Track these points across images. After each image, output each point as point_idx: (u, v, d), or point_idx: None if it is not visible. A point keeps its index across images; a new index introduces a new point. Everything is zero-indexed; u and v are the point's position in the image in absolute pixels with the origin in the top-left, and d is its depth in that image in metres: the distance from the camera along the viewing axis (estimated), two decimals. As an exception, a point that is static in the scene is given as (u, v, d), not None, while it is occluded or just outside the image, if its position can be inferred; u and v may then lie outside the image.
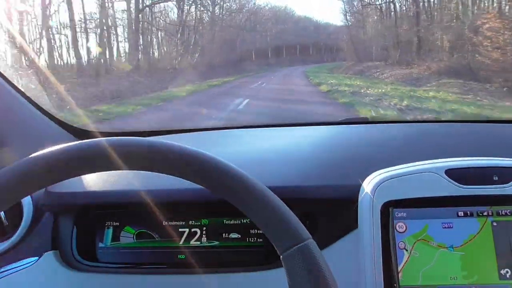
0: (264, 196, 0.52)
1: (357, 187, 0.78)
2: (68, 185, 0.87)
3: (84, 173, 0.53)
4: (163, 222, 0.89)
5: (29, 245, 0.88)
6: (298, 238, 0.50)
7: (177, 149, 0.53)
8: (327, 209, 0.83)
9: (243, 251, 0.87)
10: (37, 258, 0.86)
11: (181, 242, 0.88)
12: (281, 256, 0.51)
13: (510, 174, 0.73)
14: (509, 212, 0.72)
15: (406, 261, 0.71)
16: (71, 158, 0.51)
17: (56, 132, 1.17)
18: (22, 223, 0.87)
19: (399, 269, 0.70)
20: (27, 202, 0.89)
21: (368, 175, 0.79)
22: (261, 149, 1.10)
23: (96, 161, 0.51)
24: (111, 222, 0.90)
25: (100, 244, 0.89)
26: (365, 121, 1.46)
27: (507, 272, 0.70)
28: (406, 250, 0.71)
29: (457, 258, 0.71)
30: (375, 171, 0.79)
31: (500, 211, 0.73)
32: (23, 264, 0.85)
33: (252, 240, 0.87)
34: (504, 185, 0.72)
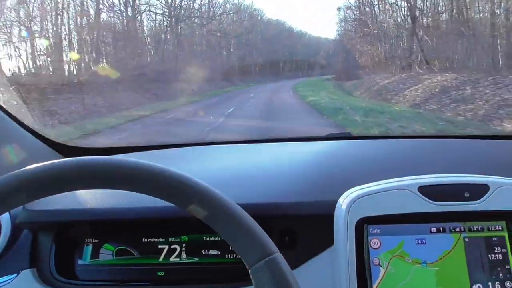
0: (231, 211, 0.53)
1: (335, 204, 0.79)
2: (46, 203, 0.87)
3: (50, 194, 0.53)
4: (143, 239, 0.89)
5: (6, 262, 0.87)
6: (265, 252, 0.51)
7: (143, 166, 0.53)
8: (306, 225, 0.84)
9: (223, 267, 0.87)
10: (14, 275, 0.85)
11: (160, 259, 0.88)
12: (249, 270, 0.51)
13: (481, 190, 0.75)
14: (480, 228, 0.74)
15: (382, 277, 0.72)
16: (40, 178, 0.51)
17: (37, 147, 1.17)
18: (0, 240, 0.87)
19: (375, 285, 0.71)
20: (5, 219, 0.88)
21: (345, 191, 0.80)
22: (241, 166, 1.11)
23: (56, 181, 0.51)
24: (90, 239, 0.90)
25: (79, 262, 0.89)
26: (348, 137, 1.48)
27: (479, 287, 0.72)
28: (381, 266, 0.72)
29: (432, 274, 0.72)
30: (353, 187, 0.80)
31: (472, 227, 0.75)
32: (0, 282, 0.84)
33: (232, 257, 0.87)
34: (475, 201, 0.74)
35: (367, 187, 0.78)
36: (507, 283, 0.72)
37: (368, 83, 18.13)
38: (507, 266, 0.73)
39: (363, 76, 20.46)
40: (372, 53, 20.84)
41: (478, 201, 0.74)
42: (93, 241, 0.90)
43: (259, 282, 0.50)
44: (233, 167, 1.09)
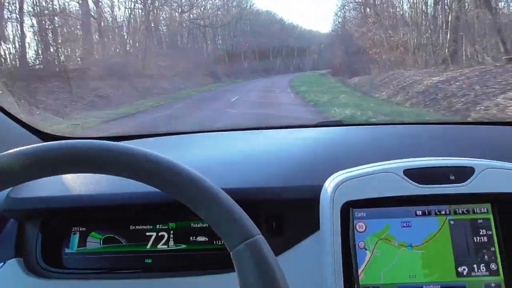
0: (213, 193, 0.53)
1: (321, 188, 0.79)
2: (31, 190, 0.86)
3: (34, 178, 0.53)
4: (130, 226, 0.89)
5: None
6: (246, 234, 0.51)
7: (124, 149, 0.53)
8: (292, 210, 0.84)
9: (211, 254, 0.87)
10: (0, 265, 0.85)
11: (148, 246, 0.88)
12: (231, 253, 0.51)
13: (466, 173, 0.75)
14: (465, 210, 0.75)
15: (368, 260, 0.72)
16: (28, 161, 0.51)
17: (24, 137, 1.16)
18: None
19: (361, 269, 0.72)
20: None
21: (331, 176, 0.80)
22: (230, 152, 1.10)
23: (40, 165, 0.51)
24: (77, 228, 0.89)
25: (66, 250, 0.88)
26: (338, 124, 1.48)
27: (464, 269, 0.72)
28: (366, 250, 0.72)
29: (418, 257, 0.73)
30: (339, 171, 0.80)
31: (457, 210, 0.75)
32: None
33: (220, 243, 0.87)
34: (461, 184, 0.74)
35: (352, 171, 0.78)
36: (492, 265, 0.72)
37: (397, 81, 12.87)
38: (492, 248, 0.73)
39: (376, 70, 16.83)
40: (392, 42, 16.63)
41: (464, 183, 0.74)
42: (80, 229, 0.89)
43: (240, 264, 0.50)
44: (221, 154, 1.09)
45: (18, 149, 0.51)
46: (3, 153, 0.50)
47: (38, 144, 0.52)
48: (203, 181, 0.53)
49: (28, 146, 0.51)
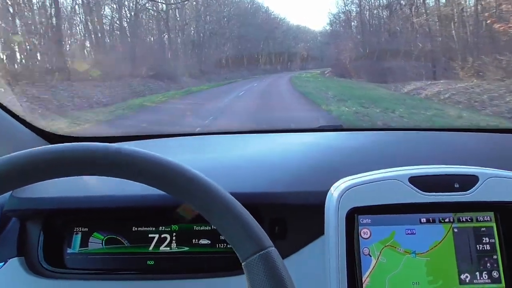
0: (227, 203, 0.53)
1: (325, 194, 0.80)
2: (35, 190, 0.86)
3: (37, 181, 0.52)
4: (133, 227, 0.88)
5: None
6: (259, 246, 0.51)
7: (140, 155, 0.53)
8: (296, 215, 0.84)
9: (213, 257, 0.87)
10: (2, 264, 0.84)
11: (150, 248, 0.88)
12: (242, 264, 0.51)
13: (470, 181, 0.76)
14: (469, 218, 0.75)
15: (374, 267, 0.73)
16: (36, 163, 0.51)
17: (27, 137, 1.16)
18: None
19: (366, 275, 0.72)
20: None
21: (336, 182, 0.80)
22: (234, 156, 1.11)
23: (48, 167, 0.51)
24: (79, 228, 0.89)
25: (68, 250, 0.88)
26: (339, 129, 1.49)
27: (466, 277, 0.72)
28: (370, 256, 0.73)
29: (422, 264, 0.73)
30: (344, 177, 0.81)
31: (461, 218, 0.75)
32: None
33: (222, 246, 0.87)
34: (465, 192, 0.75)
35: (358, 178, 0.78)
36: (494, 273, 0.73)
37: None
38: (495, 256, 0.74)
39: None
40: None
41: (468, 192, 0.75)
42: (82, 229, 0.89)
43: (252, 275, 0.50)
44: (225, 157, 1.09)
45: (34, 149, 0.51)
46: (14, 153, 0.51)
47: (57, 145, 0.52)
48: (218, 189, 0.53)
49: (43, 147, 0.51)
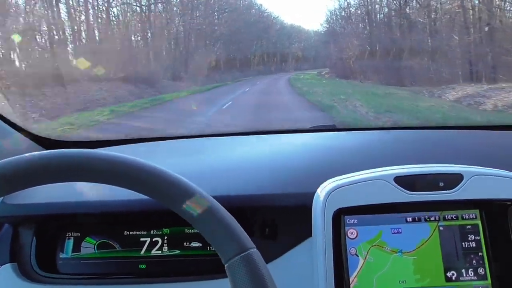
0: (208, 206, 0.53)
1: (313, 195, 0.81)
2: (26, 196, 0.86)
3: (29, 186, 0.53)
4: (124, 232, 0.89)
5: None
6: (241, 248, 0.52)
7: (120, 160, 0.53)
8: (285, 217, 0.85)
9: (204, 259, 0.88)
10: None
11: (142, 252, 0.88)
12: (225, 265, 0.52)
13: (455, 180, 0.77)
14: (454, 216, 0.76)
15: (361, 266, 0.74)
16: (27, 169, 0.51)
17: (22, 142, 1.16)
18: None
19: (354, 275, 0.73)
20: None
21: (323, 183, 0.81)
22: (222, 158, 1.11)
23: (44, 172, 0.52)
24: (71, 233, 0.90)
25: (61, 255, 0.89)
26: (332, 129, 1.49)
27: (453, 274, 0.74)
28: (358, 256, 0.74)
29: (410, 262, 0.74)
30: (332, 178, 0.82)
31: (446, 216, 0.76)
32: None
33: (213, 249, 0.88)
34: (450, 190, 0.76)
35: (344, 178, 0.79)
36: (480, 270, 0.74)
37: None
38: (480, 253, 0.75)
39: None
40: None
41: (453, 190, 0.76)
42: (75, 234, 0.90)
43: (234, 277, 0.51)
44: (214, 160, 1.10)
45: (26, 154, 0.52)
46: (10, 158, 0.51)
47: (47, 151, 0.53)
48: (197, 191, 0.54)
49: (33, 153, 0.52)
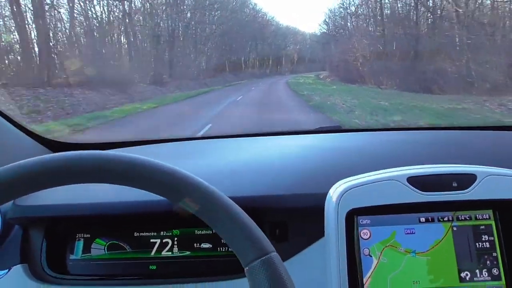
0: (228, 209, 0.53)
1: (325, 196, 0.80)
2: (37, 198, 0.86)
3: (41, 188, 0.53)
4: (134, 233, 0.89)
5: None
6: (261, 251, 0.52)
7: (136, 161, 0.53)
8: (297, 217, 0.85)
9: (215, 260, 0.88)
10: (5, 271, 0.85)
11: (152, 253, 0.88)
12: (245, 269, 0.52)
13: (469, 180, 0.76)
14: (468, 217, 0.76)
15: (375, 267, 0.73)
16: (37, 172, 0.51)
17: (29, 144, 1.16)
18: None
19: (368, 275, 0.73)
20: None
21: (335, 183, 0.81)
22: (233, 159, 1.11)
23: (59, 175, 0.52)
24: (81, 234, 0.90)
25: (71, 256, 0.89)
26: (337, 130, 1.49)
27: (467, 274, 0.73)
28: (371, 256, 0.73)
29: (424, 263, 0.74)
30: (343, 179, 0.81)
31: (460, 216, 0.76)
32: None
33: (223, 250, 0.88)
34: (463, 191, 0.76)
35: (356, 179, 0.79)
36: (494, 270, 0.74)
37: None
38: (494, 254, 0.74)
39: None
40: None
41: (466, 190, 0.76)
42: (85, 236, 0.89)
43: (254, 281, 0.51)
44: (224, 162, 1.09)
45: (37, 157, 0.52)
46: (22, 161, 0.51)
47: (55, 154, 0.53)
48: (219, 195, 0.54)
49: (44, 156, 0.52)
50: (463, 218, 0.76)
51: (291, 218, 0.85)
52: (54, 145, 1.22)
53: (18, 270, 0.85)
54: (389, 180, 0.76)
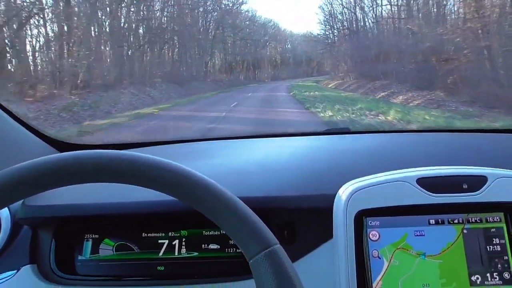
0: (231, 203, 0.54)
1: (334, 197, 0.80)
2: (46, 198, 0.87)
3: (56, 187, 0.54)
4: (142, 233, 0.89)
5: (6, 259, 0.87)
6: (265, 243, 0.52)
7: (143, 160, 0.54)
8: (305, 218, 0.85)
9: (223, 261, 0.87)
10: (15, 272, 0.85)
11: (160, 254, 0.88)
12: (249, 262, 0.52)
13: (479, 182, 0.76)
14: (478, 219, 0.75)
15: (386, 269, 0.72)
16: (45, 171, 0.52)
17: (38, 145, 1.17)
18: (0, 237, 0.87)
19: (379, 278, 0.72)
20: (5, 215, 0.88)
21: (344, 185, 0.81)
22: (242, 160, 1.11)
23: (65, 174, 0.53)
24: (90, 235, 0.90)
25: (79, 257, 0.89)
26: (346, 131, 1.49)
27: (477, 278, 0.72)
28: (380, 258, 0.73)
29: (435, 266, 0.73)
30: (352, 180, 0.81)
31: (470, 219, 0.75)
32: (0, 278, 0.84)
33: (231, 251, 0.88)
34: (474, 193, 0.75)
35: (365, 180, 0.78)
36: (505, 274, 0.72)
37: None
38: (505, 257, 0.73)
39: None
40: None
41: (476, 192, 0.75)
42: (93, 236, 0.90)
43: (258, 273, 0.51)
44: (233, 162, 1.09)
45: (47, 157, 0.52)
46: (30, 161, 0.52)
47: (70, 153, 0.54)
48: (221, 191, 0.54)
49: (57, 155, 0.53)
50: (473, 221, 0.75)
51: (299, 219, 0.85)
52: (62, 146, 1.23)
53: (27, 270, 0.85)
54: (399, 182, 0.76)
